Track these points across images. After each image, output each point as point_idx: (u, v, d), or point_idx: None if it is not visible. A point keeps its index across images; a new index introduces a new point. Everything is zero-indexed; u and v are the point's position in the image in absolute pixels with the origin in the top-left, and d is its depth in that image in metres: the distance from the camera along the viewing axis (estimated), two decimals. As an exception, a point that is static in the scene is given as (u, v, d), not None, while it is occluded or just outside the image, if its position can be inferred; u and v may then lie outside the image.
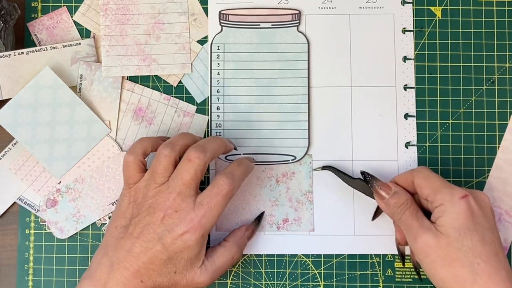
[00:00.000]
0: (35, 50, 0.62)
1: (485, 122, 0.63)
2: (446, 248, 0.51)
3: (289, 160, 0.63)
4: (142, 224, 0.53)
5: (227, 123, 0.63)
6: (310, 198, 0.62)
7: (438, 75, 0.64)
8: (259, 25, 0.63)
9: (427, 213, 0.55)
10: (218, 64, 0.63)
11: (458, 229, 0.51)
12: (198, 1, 0.64)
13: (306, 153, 0.63)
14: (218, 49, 0.63)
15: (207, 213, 0.52)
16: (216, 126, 0.63)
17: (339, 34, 0.64)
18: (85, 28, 0.64)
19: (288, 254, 0.62)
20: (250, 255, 0.62)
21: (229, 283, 0.62)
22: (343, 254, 0.62)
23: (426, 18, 0.64)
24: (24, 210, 0.62)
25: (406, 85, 0.63)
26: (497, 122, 0.63)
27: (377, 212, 0.61)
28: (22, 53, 0.61)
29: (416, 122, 0.63)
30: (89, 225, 0.62)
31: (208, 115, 0.63)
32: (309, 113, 0.63)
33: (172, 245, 0.52)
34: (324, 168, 0.61)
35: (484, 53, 0.64)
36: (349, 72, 0.63)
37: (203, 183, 0.63)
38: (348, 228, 0.62)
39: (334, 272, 0.62)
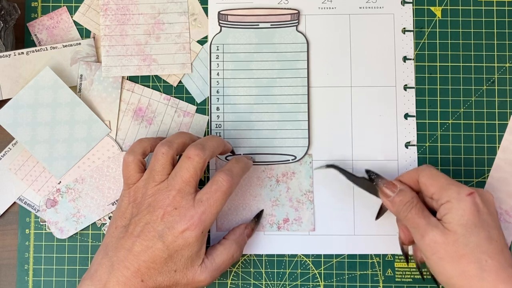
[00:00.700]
0: (35, 50, 0.62)
1: (485, 122, 0.63)
2: (454, 245, 0.51)
3: (289, 160, 0.63)
4: (142, 222, 0.53)
5: (227, 123, 0.63)
6: (310, 198, 0.62)
7: (438, 75, 0.63)
8: (258, 25, 0.63)
9: (432, 212, 0.55)
10: (218, 64, 0.63)
11: (465, 225, 0.51)
12: (198, 1, 0.64)
13: (306, 153, 0.63)
14: (218, 50, 0.63)
15: (207, 210, 0.52)
16: (216, 126, 0.63)
17: (339, 34, 0.64)
18: (85, 28, 0.64)
19: (288, 254, 0.62)
20: (250, 255, 0.62)
21: (229, 283, 0.62)
22: (343, 254, 0.62)
23: (426, 18, 0.64)
24: (24, 210, 0.63)
25: (406, 85, 0.63)
26: (497, 122, 0.63)
27: (381, 211, 0.61)
28: (22, 53, 0.61)
29: (416, 122, 0.63)
30: (89, 225, 0.62)
31: (208, 115, 0.63)
32: (309, 113, 0.63)
33: (173, 243, 0.52)
34: (328, 166, 0.61)
35: (484, 53, 0.64)
36: (349, 72, 0.63)
37: (203, 183, 0.63)
38: (348, 228, 0.62)
39: (334, 272, 0.62)
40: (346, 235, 0.62)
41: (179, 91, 0.64)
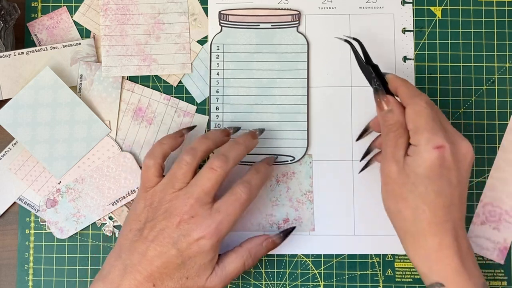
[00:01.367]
0: (35, 50, 0.62)
1: (485, 122, 0.63)
2: (401, 186, 0.52)
3: (287, 161, 0.63)
4: (157, 228, 0.53)
5: (226, 123, 0.63)
6: (310, 198, 0.62)
7: (438, 75, 0.63)
8: (258, 25, 0.63)
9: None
10: (218, 64, 0.63)
11: (418, 174, 0.51)
12: (198, 1, 0.64)
13: (305, 154, 0.63)
14: (218, 49, 0.63)
15: (224, 220, 0.53)
16: (216, 126, 0.63)
17: (339, 34, 0.63)
18: (85, 28, 0.64)
19: (288, 254, 0.62)
20: (250, 255, 0.62)
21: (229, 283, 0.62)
22: (343, 254, 0.62)
23: (426, 18, 0.64)
24: (24, 210, 0.63)
25: (406, 85, 0.63)
26: (497, 122, 0.63)
27: (364, 134, 0.61)
28: (22, 53, 0.61)
29: (416, 122, 0.63)
30: (89, 225, 0.62)
31: (208, 115, 0.63)
32: (310, 113, 0.63)
33: (187, 250, 0.52)
34: (347, 40, 0.58)
35: (484, 53, 0.64)
36: (349, 72, 0.63)
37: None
38: (348, 228, 0.62)
39: (334, 272, 0.62)
40: (346, 235, 0.62)
41: (179, 91, 0.64)
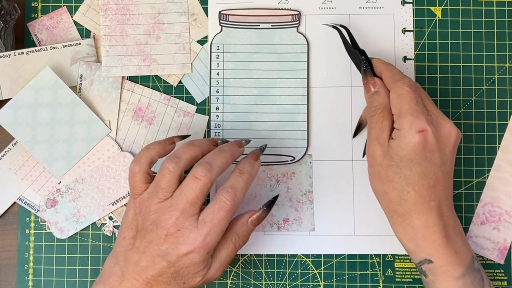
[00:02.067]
0: (35, 50, 0.62)
1: (485, 122, 0.63)
2: (386, 168, 0.53)
3: (287, 161, 0.63)
4: (146, 240, 0.52)
5: (226, 123, 0.63)
6: (310, 198, 0.62)
7: (438, 75, 0.63)
8: (259, 25, 0.63)
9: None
10: (218, 64, 0.63)
11: (402, 157, 0.52)
12: (198, 1, 0.64)
13: (305, 154, 0.63)
14: (218, 49, 0.63)
15: (210, 231, 0.52)
16: (215, 126, 0.63)
17: (339, 34, 0.63)
18: (85, 28, 0.64)
19: (288, 254, 0.62)
20: (250, 255, 0.62)
21: (229, 283, 0.62)
22: (343, 254, 0.62)
23: (426, 18, 0.64)
24: (24, 210, 0.63)
25: (406, 85, 0.63)
26: (497, 122, 0.63)
27: (358, 129, 0.62)
28: (22, 53, 0.61)
29: (416, 122, 0.63)
30: (89, 225, 0.62)
31: (208, 115, 0.63)
32: (310, 113, 0.63)
33: (178, 262, 0.52)
34: (335, 26, 0.61)
35: (484, 53, 0.64)
36: (349, 72, 0.63)
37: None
38: (348, 228, 0.62)
39: (334, 272, 0.62)
40: (346, 235, 0.62)
41: (179, 91, 0.64)
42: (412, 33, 0.64)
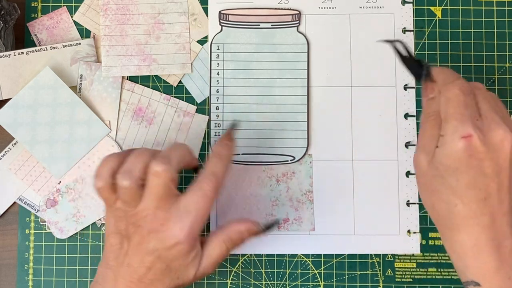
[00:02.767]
0: (35, 50, 0.62)
1: (485, 122, 0.63)
2: (431, 178, 0.50)
3: (287, 161, 0.63)
4: (132, 242, 0.52)
5: (226, 123, 0.63)
6: (310, 198, 0.62)
7: (438, 75, 0.63)
8: (259, 25, 0.63)
9: None
10: (218, 64, 0.63)
11: (446, 166, 0.48)
12: (198, 1, 0.64)
13: (305, 154, 0.63)
14: (218, 49, 0.63)
15: (195, 219, 0.51)
16: (216, 126, 0.63)
17: (339, 34, 0.64)
18: (85, 28, 0.64)
19: (288, 254, 0.62)
20: (250, 255, 0.62)
21: (229, 283, 0.62)
22: (343, 254, 0.62)
23: (426, 18, 0.64)
24: (24, 210, 0.62)
25: (406, 85, 0.63)
26: (497, 122, 0.63)
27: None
28: (22, 53, 0.61)
29: (416, 122, 0.63)
30: (89, 225, 0.62)
31: (208, 115, 0.63)
32: (310, 113, 0.63)
33: (167, 256, 0.52)
34: (388, 41, 0.55)
35: (484, 53, 0.64)
36: (349, 72, 0.63)
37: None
38: (348, 228, 0.62)
39: (334, 272, 0.62)
40: (346, 235, 0.62)
41: (179, 91, 0.64)
42: (412, 33, 0.64)
